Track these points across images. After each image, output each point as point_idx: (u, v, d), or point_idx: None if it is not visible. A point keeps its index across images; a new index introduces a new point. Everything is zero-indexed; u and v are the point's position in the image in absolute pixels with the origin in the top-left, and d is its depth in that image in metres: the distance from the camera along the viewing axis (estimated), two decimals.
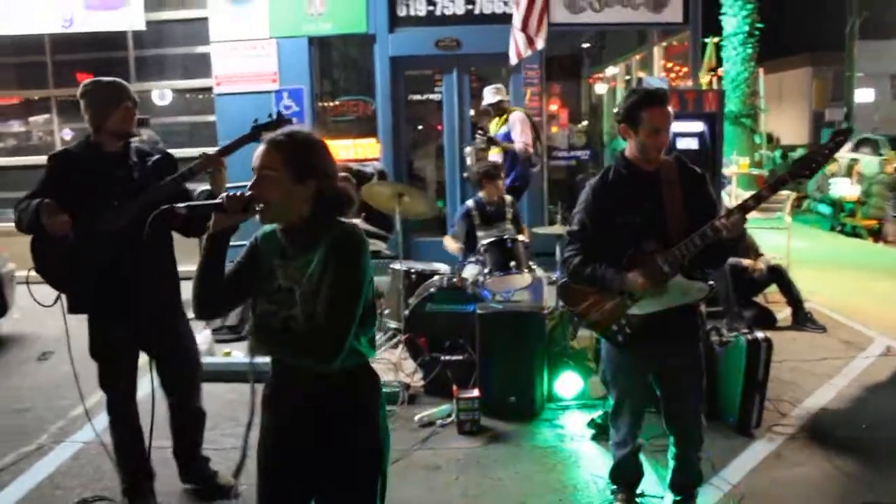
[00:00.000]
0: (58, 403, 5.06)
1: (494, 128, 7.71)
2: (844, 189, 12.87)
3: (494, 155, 7.47)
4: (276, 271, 2.31)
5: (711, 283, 3.23)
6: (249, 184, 2.24)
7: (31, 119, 10.29)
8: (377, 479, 2.38)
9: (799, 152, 18.27)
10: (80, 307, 3.55)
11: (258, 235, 2.41)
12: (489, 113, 7.85)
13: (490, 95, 7.69)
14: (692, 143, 7.55)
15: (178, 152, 3.54)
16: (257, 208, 2.23)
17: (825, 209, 13.18)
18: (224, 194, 2.27)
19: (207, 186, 3.56)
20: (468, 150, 8.03)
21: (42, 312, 3.50)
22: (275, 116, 3.52)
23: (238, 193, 2.25)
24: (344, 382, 2.30)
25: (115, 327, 3.52)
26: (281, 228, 2.34)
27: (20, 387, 5.72)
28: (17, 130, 10.48)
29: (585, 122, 10.86)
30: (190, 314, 3.80)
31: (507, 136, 7.55)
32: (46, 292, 3.52)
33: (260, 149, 2.28)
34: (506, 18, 8.47)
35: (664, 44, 10.64)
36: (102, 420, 3.79)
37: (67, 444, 4.62)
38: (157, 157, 3.62)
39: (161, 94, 9.76)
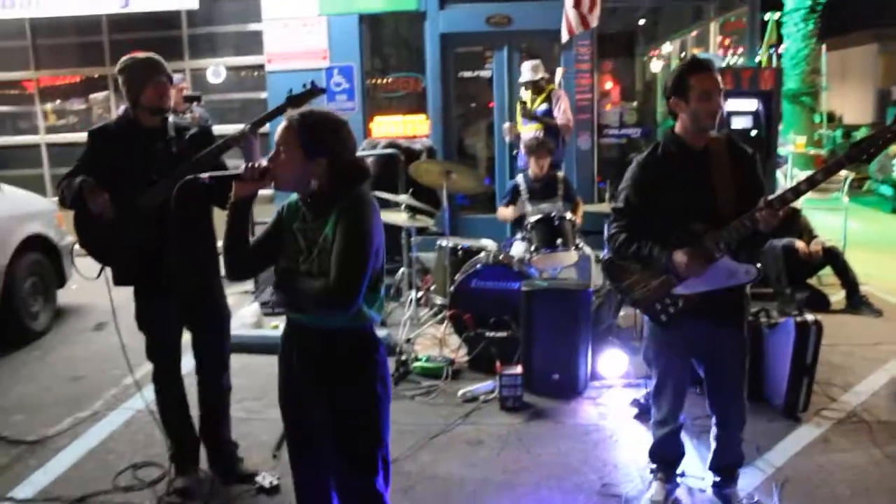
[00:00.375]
0: (112, 372, 5.22)
1: (532, 105, 7.60)
2: None
3: (532, 131, 7.37)
4: (296, 234, 2.53)
5: (759, 265, 3.18)
6: (269, 157, 2.50)
7: (91, 97, 10.52)
8: (369, 440, 2.55)
9: (862, 132, 17.75)
10: (124, 280, 3.62)
11: (284, 205, 2.62)
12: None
13: (528, 72, 7.52)
14: (746, 122, 7.42)
15: (230, 129, 3.57)
16: (272, 179, 2.48)
17: (887, 190, 12.77)
18: (243, 165, 2.49)
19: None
20: (505, 126, 7.95)
21: (99, 284, 3.59)
22: (308, 87, 3.53)
23: (256, 165, 2.47)
24: (343, 342, 2.51)
25: (157, 300, 3.60)
26: (301, 197, 2.54)
27: (77, 356, 5.91)
28: (78, 108, 10.74)
29: (637, 101, 10.68)
30: (227, 289, 3.91)
31: (548, 113, 7.46)
32: (93, 265, 3.63)
33: (280, 125, 2.49)
34: None
35: (721, 20, 10.39)
36: (152, 389, 3.89)
37: (121, 410, 4.78)
38: (193, 130, 3.65)
39: (215, 71, 9.88)
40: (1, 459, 4.17)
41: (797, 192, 3.00)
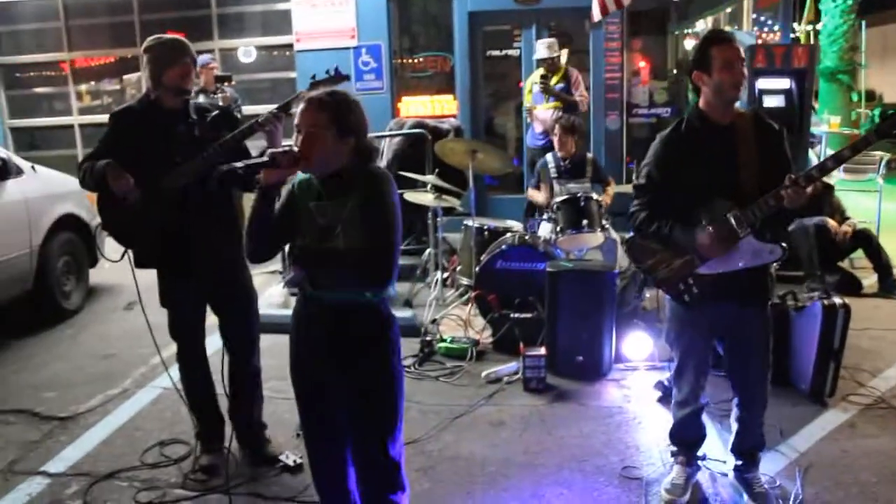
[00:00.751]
0: (141, 351, 5.30)
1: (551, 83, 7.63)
2: None
3: (549, 109, 7.47)
4: (313, 212, 2.50)
5: (784, 245, 3.13)
6: (297, 141, 2.45)
7: (126, 77, 10.61)
8: (386, 412, 2.60)
9: None
10: (146, 262, 3.66)
11: (294, 183, 2.61)
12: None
13: (545, 50, 7.54)
14: (778, 101, 7.28)
15: (260, 109, 3.58)
16: (306, 164, 2.46)
17: None
18: (270, 150, 2.47)
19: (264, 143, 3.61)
20: (530, 108, 7.95)
21: (129, 263, 3.66)
22: (332, 73, 3.53)
23: (287, 150, 2.43)
24: (363, 317, 2.54)
25: (179, 282, 3.64)
26: (318, 175, 2.53)
27: (109, 334, 6.02)
28: (112, 88, 10.86)
29: (667, 81, 10.54)
30: (254, 269, 3.94)
31: (565, 91, 7.55)
32: (118, 246, 3.69)
33: (302, 107, 2.48)
34: None
35: None
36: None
37: (149, 388, 4.87)
38: (215, 112, 3.64)
39: (246, 51, 9.93)
40: (33, 435, 4.28)
41: (823, 169, 2.93)
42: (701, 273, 3.17)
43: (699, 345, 3.37)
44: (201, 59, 7.92)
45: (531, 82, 7.83)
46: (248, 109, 8.27)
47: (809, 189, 2.86)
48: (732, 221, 3.02)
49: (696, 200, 3.09)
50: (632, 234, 3.41)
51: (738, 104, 3.17)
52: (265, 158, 2.46)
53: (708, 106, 3.13)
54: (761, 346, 3.29)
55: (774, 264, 3.22)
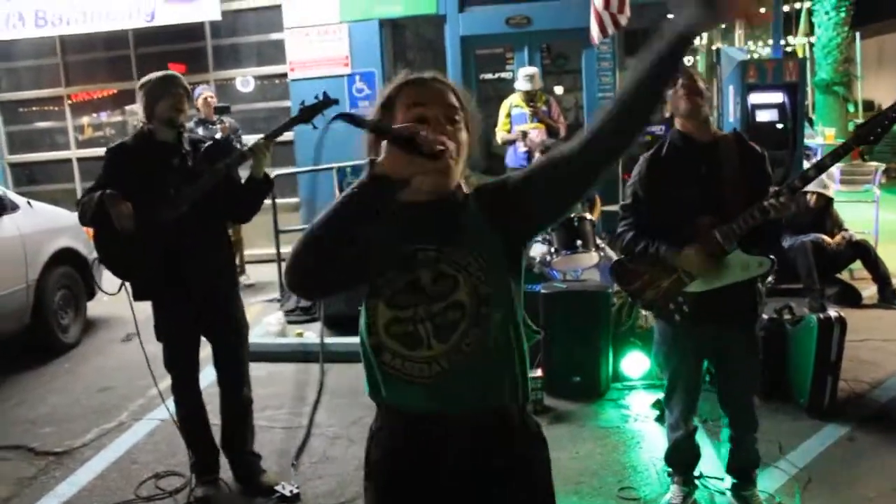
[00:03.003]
0: (138, 383, 5.28)
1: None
2: None
3: (536, 131, 7.67)
4: (416, 260, 1.65)
5: (773, 257, 3.13)
6: (436, 133, 1.58)
7: (128, 108, 10.69)
8: None
9: None
10: (143, 294, 3.67)
11: (351, 200, 1.55)
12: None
13: (525, 83, 7.76)
14: (772, 115, 7.30)
15: (256, 139, 3.60)
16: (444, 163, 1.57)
17: None
18: (422, 132, 1.54)
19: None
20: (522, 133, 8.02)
21: (128, 296, 3.66)
22: (321, 98, 3.55)
23: (424, 132, 1.54)
24: (503, 424, 1.74)
25: (176, 311, 3.65)
26: (408, 203, 1.65)
27: (106, 367, 6.01)
28: (113, 120, 10.95)
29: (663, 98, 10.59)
30: (249, 298, 3.95)
31: (547, 115, 7.83)
32: (115, 279, 3.69)
33: (413, 85, 1.71)
34: None
35: None
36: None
37: (145, 421, 4.84)
38: (208, 143, 3.69)
39: (244, 81, 10.02)
40: (28, 471, 4.25)
41: (805, 178, 2.95)
42: (690, 291, 3.17)
43: (688, 367, 3.35)
44: (196, 90, 8.01)
45: (509, 105, 7.96)
46: (247, 139, 8.32)
47: (791, 199, 2.87)
48: (718, 236, 3.02)
49: (681, 218, 3.10)
50: (617, 256, 3.41)
51: (729, 122, 3.20)
52: (375, 125, 1.63)
53: (684, 127, 3.15)
54: (749, 364, 3.29)
55: (767, 280, 3.21)
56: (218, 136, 7.42)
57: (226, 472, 3.91)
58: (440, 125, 1.64)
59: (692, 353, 3.32)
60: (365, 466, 1.84)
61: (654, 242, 3.14)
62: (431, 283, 1.64)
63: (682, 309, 3.21)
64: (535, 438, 1.84)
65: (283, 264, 4.48)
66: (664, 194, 3.16)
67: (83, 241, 6.67)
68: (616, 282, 3.60)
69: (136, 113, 10.49)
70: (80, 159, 10.61)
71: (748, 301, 3.21)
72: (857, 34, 15.99)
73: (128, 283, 3.68)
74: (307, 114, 3.56)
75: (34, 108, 10.97)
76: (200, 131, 7.65)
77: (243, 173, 3.67)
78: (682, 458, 3.51)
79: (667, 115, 3.28)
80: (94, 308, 7.09)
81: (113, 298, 3.81)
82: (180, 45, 9.94)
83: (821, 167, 2.99)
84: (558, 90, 10.59)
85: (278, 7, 9.33)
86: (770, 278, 4.97)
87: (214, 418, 3.91)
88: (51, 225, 6.44)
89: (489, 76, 9.87)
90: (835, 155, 2.93)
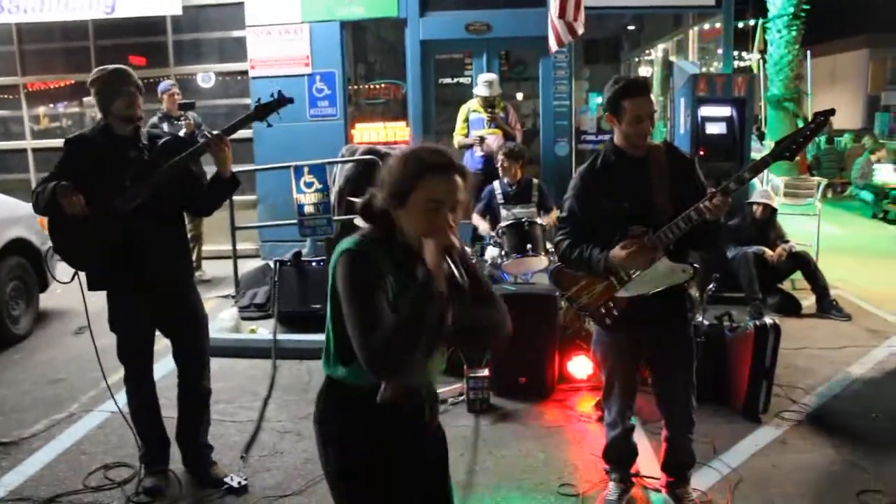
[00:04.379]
0: (90, 375, 5.27)
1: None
2: (888, 176, 12.63)
3: (493, 136, 7.86)
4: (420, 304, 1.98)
5: (696, 265, 3.28)
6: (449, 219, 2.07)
7: (87, 99, 10.56)
8: None
9: (846, 138, 17.88)
10: (98, 285, 3.70)
11: (367, 260, 2.08)
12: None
13: (484, 88, 7.92)
14: (720, 128, 7.54)
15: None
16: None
17: (868, 196, 12.91)
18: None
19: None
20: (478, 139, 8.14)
21: (80, 288, 3.68)
22: (276, 96, 3.62)
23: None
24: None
25: (131, 302, 3.68)
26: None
27: (58, 358, 5.99)
28: (66, 112, 10.81)
29: None
30: (205, 293, 3.99)
31: (504, 121, 8.00)
32: (68, 269, 3.72)
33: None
34: (535, 2, 8.53)
35: (697, 28, 10.53)
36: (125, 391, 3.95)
37: (96, 413, 4.85)
38: (165, 138, 3.73)
39: (206, 76, 9.98)
40: None
41: (740, 180, 3.10)
42: (619, 296, 3.32)
43: (624, 367, 3.51)
44: (162, 85, 8.00)
45: (468, 110, 8.10)
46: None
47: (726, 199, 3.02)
48: (647, 242, 3.17)
49: (615, 228, 3.23)
50: (556, 263, 3.56)
51: (680, 134, 3.36)
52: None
53: (621, 142, 3.29)
54: (683, 366, 3.43)
55: (708, 288, 3.36)
56: (182, 132, 7.41)
57: (174, 463, 3.97)
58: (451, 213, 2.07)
59: (627, 354, 3.47)
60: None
61: (587, 248, 3.28)
62: None
63: (612, 312, 3.36)
64: None
65: (268, 285, 4.49)
66: (598, 206, 3.30)
67: (36, 231, 6.63)
68: (555, 286, 3.75)
69: (94, 105, 10.43)
70: (35, 150, 10.44)
71: (678, 306, 3.36)
72: (808, 52, 16.46)
73: (82, 274, 3.70)
74: (262, 112, 3.62)
75: None
76: (165, 127, 7.64)
77: (210, 170, 3.72)
78: (618, 456, 3.65)
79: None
80: (48, 300, 7.04)
81: (66, 291, 3.84)
82: (141, 38, 9.87)
83: (742, 180, 3.12)
84: (520, 97, 10.77)
85: (241, 4, 9.30)
86: (712, 286, 5.16)
87: (166, 410, 3.95)
88: (3, 215, 6.38)
89: (448, 80, 9.98)
90: (754, 168, 3.15)
